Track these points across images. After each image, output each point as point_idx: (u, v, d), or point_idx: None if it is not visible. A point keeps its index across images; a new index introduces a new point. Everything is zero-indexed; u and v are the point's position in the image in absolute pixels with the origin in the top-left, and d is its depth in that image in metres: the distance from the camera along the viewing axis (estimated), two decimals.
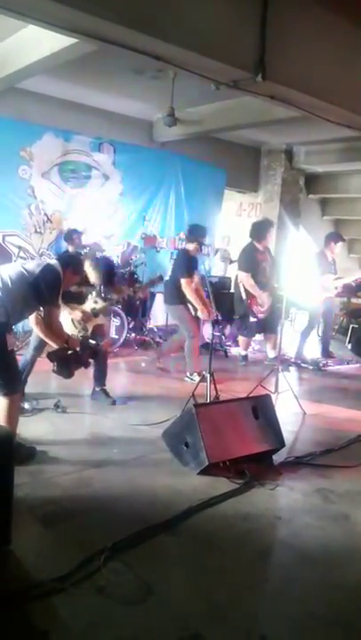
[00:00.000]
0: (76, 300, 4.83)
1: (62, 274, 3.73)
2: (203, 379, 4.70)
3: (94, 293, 4.96)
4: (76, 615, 2.18)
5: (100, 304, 4.94)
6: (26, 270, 3.61)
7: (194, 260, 5.96)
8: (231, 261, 9.69)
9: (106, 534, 2.69)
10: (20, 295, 3.53)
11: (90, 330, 4.91)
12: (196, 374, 5.82)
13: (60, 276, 3.72)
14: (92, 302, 4.91)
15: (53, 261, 3.82)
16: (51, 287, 3.64)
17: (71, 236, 6.93)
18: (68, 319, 4.73)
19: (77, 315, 4.81)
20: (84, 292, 4.92)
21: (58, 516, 2.93)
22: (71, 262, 3.92)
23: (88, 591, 2.32)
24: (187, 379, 5.90)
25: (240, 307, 6.91)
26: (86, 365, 4.08)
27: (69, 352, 3.82)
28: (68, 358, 3.81)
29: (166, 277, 6.37)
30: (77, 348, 3.91)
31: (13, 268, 3.63)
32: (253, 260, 6.74)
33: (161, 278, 5.89)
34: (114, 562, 2.51)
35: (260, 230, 6.88)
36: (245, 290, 6.73)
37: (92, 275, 4.93)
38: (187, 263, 5.94)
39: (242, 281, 6.78)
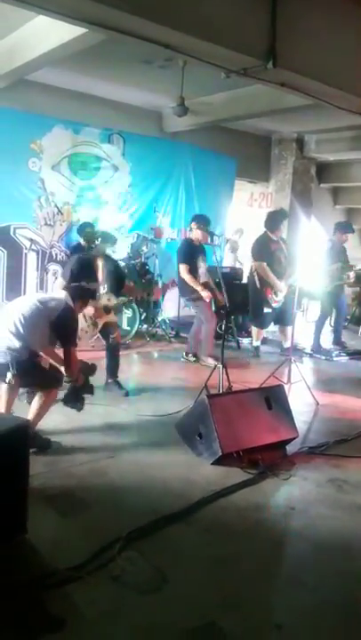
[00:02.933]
0: (90, 295, 4.84)
1: (74, 307, 3.85)
2: (215, 368, 4.70)
3: (104, 289, 4.98)
4: (92, 603, 2.20)
5: (114, 301, 4.97)
6: (41, 303, 3.65)
7: (195, 247, 6.18)
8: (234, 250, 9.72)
9: (120, 524, 2.72)
10: (38, 330, 3.63)
11: (99, 326, 4.92)
12: (210, 359, 5.98)
13: (77, 316, 3.93)
14: (105, 299, 4.93)
15: (66, 296, 3.82)
16: (72, 329, 3.82)
17: (84, 229, 6.96)
18: (79, 314, 4.74)
19: (90, 310, 4.81)
20: (93, 288, 4.92)
21: (73, 505, 2.96)
22: (82, 294, 4.00)
23: (103, 580, 2.34)
24: (202, 362, 6.10)
25: (254, 297, 6.88)
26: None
27: (80, 385, 3.92)
28: (80, 393, 3.95)
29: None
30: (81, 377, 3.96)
31: (28, 305, 3.65)
32: (268, 250, 6.70)
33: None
34: (128, 551, 2.53)
35: (274, 220, 6.85)
36: (260, 279, 6.70)
37: (100, 273, 4.97)
38: (185, 249, 6.24)
39: (257, 270, 6.74)
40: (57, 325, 3.66)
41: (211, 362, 5.88)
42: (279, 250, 6.76)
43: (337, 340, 7.68)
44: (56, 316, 3.65)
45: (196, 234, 6.20)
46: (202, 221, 6.23)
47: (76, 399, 3.92)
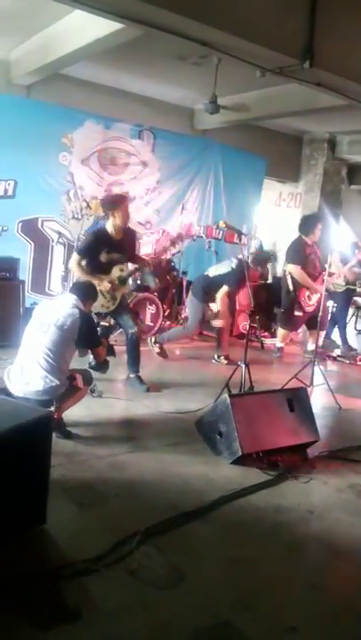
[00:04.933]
0: (104, 270, 4.86)
1: (86, 309, 3.89)
2: (237, 367, 4.68)
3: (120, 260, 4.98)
4: (108, 596, 2.22)
5: (126, 270, 4.98)
6: (59, 329, 3.60)
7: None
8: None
9: (138, 519, 2.73)
10: (68, 357, 3.72)
11: (118, 298, 4.92)
12: (156, 347, 6.12)
13: (92, 318, 4.04)
14: (117, 270, 4.92)
15: (76, 301, 3.76)
16: (94, 332, 3.97)
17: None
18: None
19: (106, 285, 4.82)
20: (115, 258, 4.90)
21: (92, 498, 2.98)
22: (88, 293, 3.99)
23: (120, 573, 2.35)
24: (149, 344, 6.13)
25: (286, 300, 6.83)
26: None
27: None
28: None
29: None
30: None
31: (49, 337, 3.58)
32: (302, 253, 6.61)
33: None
34: (146, 546, 2.54)
35: (307, 224, 6.76)
36: (293, 282, 6.64)
37: (120, 223, 4.86)
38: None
39: (291, 273, 6.68)
40: (81, 339, 3.71)
41: (155, 348, 6.07)
42: (313, 253, 6.67)
43: (328, 338, 7.66)
44: (77, 333, 3.65)
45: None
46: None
47: (101, 365, 4.11)
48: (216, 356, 6.30)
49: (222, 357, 6.26)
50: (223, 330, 6.33)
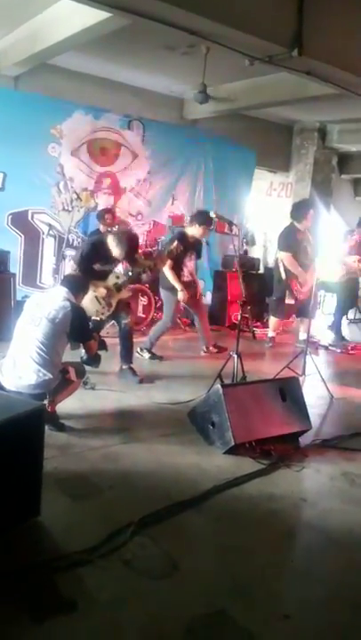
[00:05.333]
0: (99, 277, 4.85)
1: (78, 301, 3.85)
2: (230, 357, 4.69)
3: (117, 269, 4.98)
4: (103, 587, 2.23)
5: (122, 278, 4.97)
6: (50, 322, 3.57)
7: (187, 243, 5.88)
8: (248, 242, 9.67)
9: (132, 509, 2.74)
10: (61, 349, 3.68)
11: (114, 305, 4.93)
12: (146, 352, 5.87)
13: (84, 310, 3.97)
14: (113, 278, 4.92)
15: (67, 294, 3.72)
16: (86, 325, 3.94)
17: (103, 215, 6.97)
18: (91, 297, 4.75)
19: (102, 292, 4.83)
20: (108, 269, 4.92)
21: (86, 489, 2.98)
22: (79, 285, 3.94)
23: (115, 564, 2.36)
24: (137, 353, 5.71)
25: (278, 287, 6.82)
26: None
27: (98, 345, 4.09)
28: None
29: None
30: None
31: (40, 330, 3.55)
32: (294, 240, 6.59)
33: (178, 246, 5.72)
34: (140, 536, 2.55)
35: (300, 210, 6.74)
36: (285, 270, 6.62)
37: (115, 250, 4.83)
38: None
39: (282, 261, 6.67)
40: (73, 332, 3.69)
41: (146, 355, 5.83)
42: (306, 240, 6.65)
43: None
44: (70, 326, 3.63)
45: (196, 230, 5.88)
46: (207, 220, 5.88)
47: (93, 359, 4.08)
48: (205, 348, 6.29)
49: (211, 347, 6.26)
50: (201, 321, 6.28)
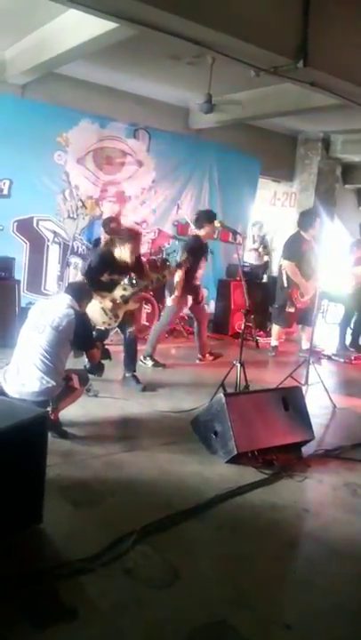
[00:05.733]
0: (106, 288, 4.86)
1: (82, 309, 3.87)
2: (233, 366, 4.69)
3: (124, 281, 4.98)
4: (104, 595, 2.22)
5: (129, 290, 4.96)
6: (55, 330, 3.58)
7: (201, 246, 5.99)
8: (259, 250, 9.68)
9: (134, 518, 2.73)
10: (64, 357, 3.70)
11: (121, 316, 4.94)
12: (150, 360, 5.85)
13: (88, 317, 4.00)
14: (120, 290, 4.93)
15: (71, 301, 3.74)
16: (90, 334, 3.99)
17: (108, 223, 7.00)
18: (97, 308, 4.76)
19: (108, 304, 4.84)
20: (116, 279, 4.93)
21: (88, 497, 2.98)
22: (83, 293, 3.95)
23: (116, 572, 2.36)
24: (140, 362, 5.65)
25: (280, 295, 6.83)
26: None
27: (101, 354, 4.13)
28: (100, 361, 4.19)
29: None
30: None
31: (45, 338, 3.56)
32: (298, 250, 6.60)
33: (188, 260, 5.73)
34: (142, 545, 2.55)
35: (307, 219, 6.75)
36: (287, 278, 6.63)
37: (124, 250, 4.83)
38: (192, 246, 5.99)
39: (285, 269, 6.68)
40: (76, 340, 3.70)
41: (150, 363, 5.81)
42: (310, 250, 6.64)
43: (354, 343, 7.62)
44: (73, 333, 3.64)
45: (205, 230, 5.96)
46: (212, 218, 5.97)
47: (97, 368, 4.15)
48: (200, 356, 6.27)
49: (207, 354, 6.26)
50: (200, 327, 6.28)
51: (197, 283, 6.03)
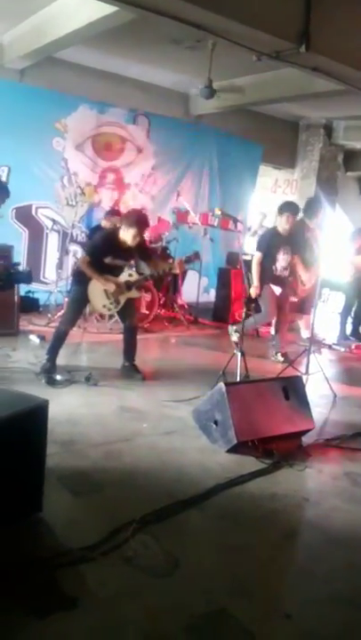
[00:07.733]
0: (110, 271, 4.81)
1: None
2: (233, 355, 4.67)
3: (130, 268, 4.92)
4: (104, 584, 2.22)
5: (135, 276, 4.92)
6: None
7: (277, 237, 5.90)
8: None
9: (134, 507, 2.73)
10: None
11: (122, 303, 4.90)
12: (279, 355, 5.99)
13: None
14: (126, 275, 4.88)
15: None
16: None
17: (110, 217, 6.93)
18: (100, 290, 4.73)
19: (111, 286, 4.78)
20: (120, 264, 4.87)
21: (88, 486, 2.98)
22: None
23: (116, 561, 2.36)
24: (272, 358, 5.99)
25: None
26: None
27: None
28: None
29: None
30: None
31: None
32: (302, 238, 6.57)
33: (197, 255, 5.61)
34: (142, 534, 2.54)
35: (312, 207, 6.69)
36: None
37: (129, 233, 4.67)
38: (264, 238, 6.03)
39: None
40: None
41: (280, 358, 5.95)
42: (313, 238, 6.59)
43: (355, 332, 7.60)
44: None
45: (280, 221, 5.86)
46: (294, 209, 5.92)
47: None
48: (274, 353, 6.17)
49: (279, 354, 6.12)
50: (280, 321, 6.17)
51: (279, 274, 5.90)
